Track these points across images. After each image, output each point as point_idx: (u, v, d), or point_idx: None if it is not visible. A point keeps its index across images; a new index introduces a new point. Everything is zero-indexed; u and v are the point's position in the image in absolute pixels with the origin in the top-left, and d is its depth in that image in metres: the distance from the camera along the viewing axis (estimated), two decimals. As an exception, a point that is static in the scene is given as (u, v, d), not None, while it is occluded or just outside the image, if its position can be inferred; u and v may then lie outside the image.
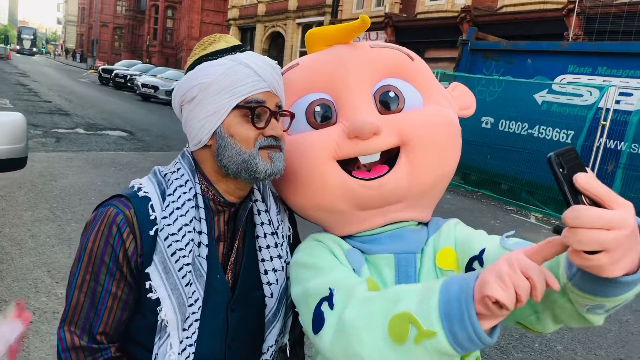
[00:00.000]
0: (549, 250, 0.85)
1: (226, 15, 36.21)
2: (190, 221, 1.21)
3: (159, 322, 1.19)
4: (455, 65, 12.15)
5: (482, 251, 1.17)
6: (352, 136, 1.23)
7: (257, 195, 1.35)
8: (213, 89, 1.19)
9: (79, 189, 7.37)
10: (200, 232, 1.23)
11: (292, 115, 1.28)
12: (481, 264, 1.17)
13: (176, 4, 48.77)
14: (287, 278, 1.36)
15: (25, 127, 2.52)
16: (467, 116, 1.45)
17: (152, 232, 1.19)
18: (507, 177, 10.22)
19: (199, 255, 1.22)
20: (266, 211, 1.35)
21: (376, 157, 1.26)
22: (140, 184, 1.26)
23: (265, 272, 1.33)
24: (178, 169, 1.27)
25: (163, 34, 49.65)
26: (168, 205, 1.21)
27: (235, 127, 1.20)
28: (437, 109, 1.32)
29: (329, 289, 1.12)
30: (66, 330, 1.18)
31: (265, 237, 1.34)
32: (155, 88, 23.54)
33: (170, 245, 1.18)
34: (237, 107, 1.20)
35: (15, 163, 2.49)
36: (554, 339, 4.56)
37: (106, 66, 34.82)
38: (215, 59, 1.22)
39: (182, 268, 1.18)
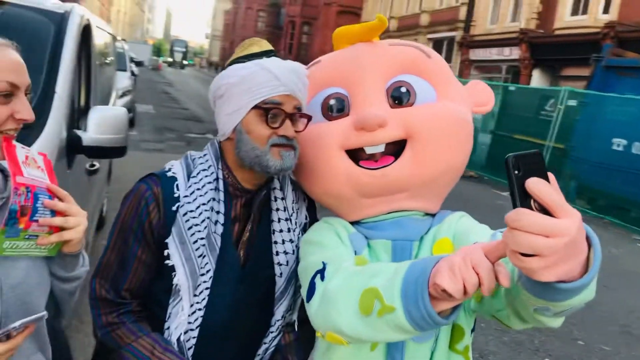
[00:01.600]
0: (505, 250, 0.84)
1: (358, 31, 36.92)
2: (208, 201, 1.36)
3: (173, 286, 1.35)
4: (587, 83, 11.45)
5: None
6: (358, 127, 1.31)
7: (276, 184, 1.47)
8: (237, 89, 1.33)
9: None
10: (218, 212, 1.37)
11: (309, 117, 1.38)
12: None
13: (312, 20, 50.50)
14: (296, 261, 1.45)
15: (127, 120, 2.81)
16: (483, 112, 1.47)
17: (174, 208, 1.35)
18: (638, 204, 9.42)
19: (214, 232, 1.36)
20: (283, 199, 1.47)
21: (381, 148, 1.32)
22: (172, 166, 1.43)
23: (277, 254, 1.44)
24: (204, 155, 1.43)
25: (298, 49, 51.55)
26: (190, 186, 1.37)
27: (253, 125, 1.33)
28: (447, 105, 1.36)
29: (323, 262, 1.22)
30: (97, 281, 1.37)
31: (279, 221, 1.45)
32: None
33: (188, 220, 1.33)
34: (256, 107, 1.32)
35: (116, 151, 2.79)
36: None
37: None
38: (245, 61, 1.35)
39: (196, 241, 1.33)
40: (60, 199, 1.13)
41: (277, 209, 1.45)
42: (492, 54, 21.41)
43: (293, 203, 1.48)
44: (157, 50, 76.07)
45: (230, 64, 1.37)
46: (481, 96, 1.48)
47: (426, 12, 27.04)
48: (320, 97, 1.43)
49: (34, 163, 1.12)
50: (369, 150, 1.32)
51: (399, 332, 0.98)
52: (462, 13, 23.55)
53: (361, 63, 1.40)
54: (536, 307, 0.90)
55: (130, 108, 13.05)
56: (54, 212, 1.10)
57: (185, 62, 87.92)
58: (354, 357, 1.29)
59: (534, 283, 0.82)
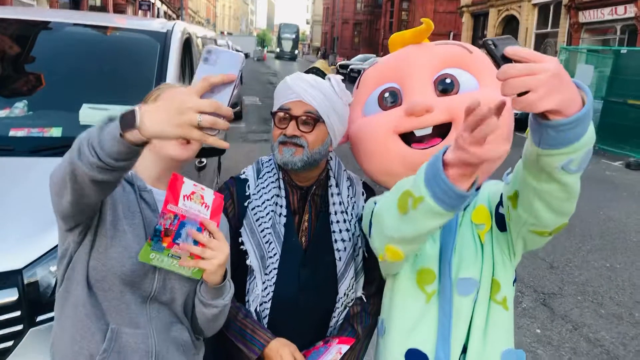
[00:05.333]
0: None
1: (459, 3, 35.89)
2: (272, 197, 1.68)
3: (248, 267, 1.67)
4: None
5: (501, 195, 1.43)
6: (408, 113, 1.55)
7: (332, 181, 1.75)
8: (274, 101, 1.69)
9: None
10: (280, 206, 1.68)
11: (317, 119, 1.61)
12: (501, 204, 1.44)
13: (411, -4, 49.69)
14: (354, 247, 1.73)
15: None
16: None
17: (245, 204, 1.69)
18: None
19: (279, 223, 1.67)
20: (339, 194, 1.74)
21: (428, 131, 1.55)
22: (245, 170, 1.77)
23: (336, 241, 1.71)
24: (269, 159, 1.76)
25: (398, 26, 50.80)
26: (257, 186, 1.70)
27: (274, 127, 1.66)
28: (487, 91, 1.56)
29: (374, 202, 1.51)
30: None
31: (336, 214, 1.73)
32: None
33: (255, 214, 1.67)
34: (274, 113, 1.65)
35: (215, 150, 3.19)
36: None
37: (343, 62, 37.21)
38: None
39: (263, 230, 1.65)
40: (212, 234, 1.31)
41: (334, 203, 1.73)
42: (604, 14, 20.04)
43: (348, 197, 1.75)
44: (262, 41, 77.12)
45: None
46: None
47: (530, -23, 25.79)
48: (377, 92, 1.69)
49: (199, 199, 1.31)
50: (418, 133, 1.56)
51: (434, 217, 1.17)
52: (569, -26, 22.21)
53: (411, 61, 1.65)
54: (561, 164, 1.06)
55: (237, 102, 13.74)
56: (197, 242, 1.28)
57: (296, 51, 68.66)
58: (411, 311, 1.53)
59: (543, 134, 1.02)
